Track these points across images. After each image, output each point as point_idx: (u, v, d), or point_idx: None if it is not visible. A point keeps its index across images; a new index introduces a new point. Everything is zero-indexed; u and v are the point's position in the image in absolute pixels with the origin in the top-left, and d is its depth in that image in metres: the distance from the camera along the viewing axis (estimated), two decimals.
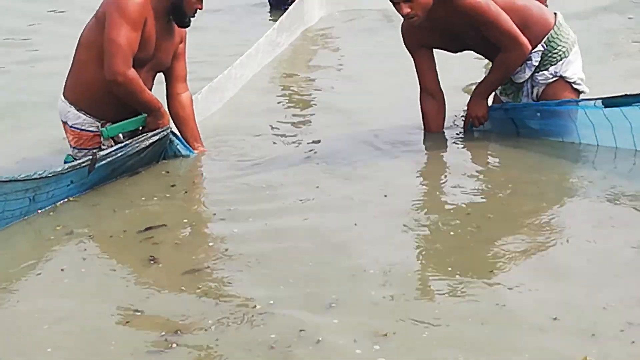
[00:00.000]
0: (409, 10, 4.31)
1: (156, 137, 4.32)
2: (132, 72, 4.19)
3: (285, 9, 6.96)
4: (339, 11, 7.45)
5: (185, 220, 4.02)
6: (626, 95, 4.23)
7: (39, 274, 3.55)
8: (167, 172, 4.49)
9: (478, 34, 4.42)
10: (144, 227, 3.90)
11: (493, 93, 4.76)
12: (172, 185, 4.34)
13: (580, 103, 4.41)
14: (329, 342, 2.90)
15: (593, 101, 4.36)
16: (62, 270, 3.53)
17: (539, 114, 4.59)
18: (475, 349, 2.81)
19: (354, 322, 3.03)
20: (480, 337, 2.87)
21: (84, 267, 3.59)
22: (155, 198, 4.26)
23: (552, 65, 4.45)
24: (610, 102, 4.26)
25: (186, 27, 4.47)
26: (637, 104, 4.23)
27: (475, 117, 4.62)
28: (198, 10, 4.48)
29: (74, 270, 3.56)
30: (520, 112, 4.63)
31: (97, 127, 4.31)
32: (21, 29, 7.83)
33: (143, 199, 4.24)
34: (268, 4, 7.61)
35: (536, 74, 4.49)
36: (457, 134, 4.77)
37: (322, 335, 2.95)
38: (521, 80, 4.53)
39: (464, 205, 4.01)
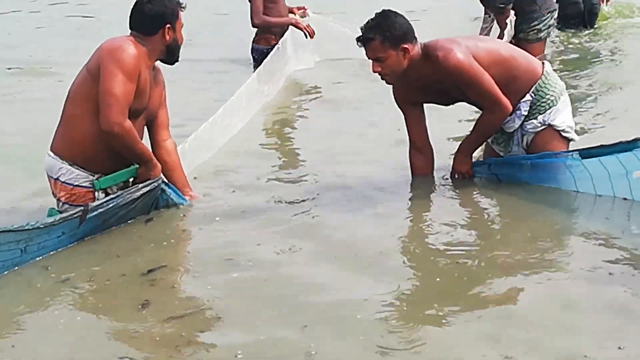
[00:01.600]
0: (379, 69, 4.43)
1: (147, 188, 4.35)
2: (128, 123, 4.20)
3: None
4: (317, 61, 7.55)
5: (182, 265, 4.11)
6: (602, 145, 4.33)
7: (33, 321, 3.57)
8: (160, 217, 4.51)
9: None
10: (144, 270, 3.95)
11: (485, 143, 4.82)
12: (167, 232, 4.40)
13: (558, 156, 4.49)
14: None
15: (570, 153, 4.46)
16: (55, 318, 3.56)
17: (528, 162, 4.63)
18: None
19: None
20: None
21: (77, 314, 3.63)
22: (152, 244, 4.29)
23: (540, 114, 4.52)
24: (587, 154, 4.38)
25: (175, 62, 4.54)
26: (613, 154, 4.30)
27: (459, 173, 4.69)
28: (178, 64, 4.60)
29: (66, 318, 3.59)
30: (502, 167, 4.71)
31: (91, 182, 4.32)
32: None
33: (138, 245, 4.26)
34: (252, 59, 7.63)
35: (525, 122, 4.55)
36: (445, 178, 4.83)
37: None
38: (511, 130, 4.60)
39: (451, 252, 4.08)
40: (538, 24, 6.51)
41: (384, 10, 4.51)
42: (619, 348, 3.08)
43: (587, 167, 4.40)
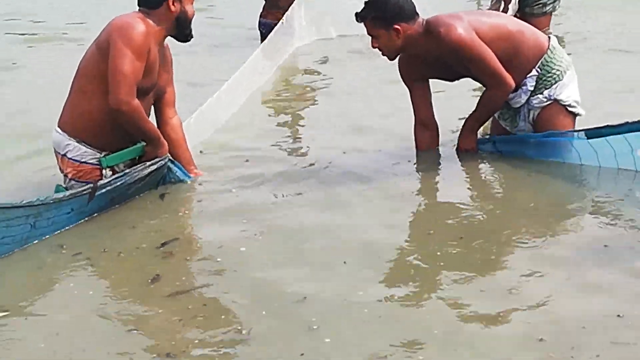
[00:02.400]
0: (376, 45, 4.51)
1: (155, 167, 4.40)
2: (136, 102, 4.22)
3: None
4: (320, 38, 7.49)
5: (195, 238, 4.22)
6: (607, 126, 4.40)
7: (47, 293, 3.67)
8: (175, 190, 4.56)
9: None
10: (158, 244, 4.00)
11: (492, 117, 4.84)
12: (182, 205, 4.51)
13: (564, 135, 4.56)
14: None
15: (577, 133, 4.51)
16: (68, 292, 3.66)
17: (533, 139, 4.69)
18: None
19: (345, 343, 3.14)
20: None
21: (89, 287, 3.72)
22: (166, 216, 4.39)
23: (546, 89, 4.54)
24: (593, 134, 4.43)
25: (189, 40, 4.53)
26: (619, 134, 4.36)
27: (464, 150, 4.75)
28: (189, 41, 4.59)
29: (79, 291, 3.68)
30: (507, 145, 4.77)
31: (98, 159, 4.35)
32: None
33: (153, 217, 4.33)
34: (259, 34, 7.58)
35: (531, 97, 4.58)
36: (450, 154, 4.86)
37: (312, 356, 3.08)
38: (518, 105, 4.63)
39: (457, 226, 4.15)
40: (545, 2, 6.50)
41: None
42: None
43: (593, 145, 4.44)
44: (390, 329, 3.23)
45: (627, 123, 4.32)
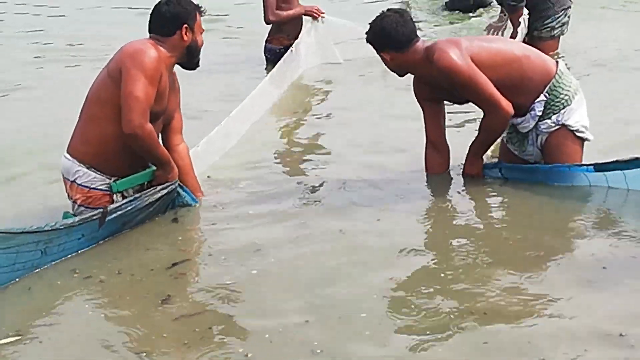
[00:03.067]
0: (390, 69, 4.68)
1: (165, 191, 4.42)
2: (150, 126, 4.24)
3: None
4: (326, 63, 7.42)
5: (205, 259, 4.19)
6: (616, 161, 4.41)
7: (58, 317, 3.68)
8: (186, 213, 4.58)
9: None
10: (169, 264, 4.05)
11: (500, 140, 4.84)
12: (193, 228, 4.54)
13: (572, 167, 4.53)
14: None
15: (585, 167, 4.52)
16: (80, 313, 3.69)
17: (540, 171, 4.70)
18: None
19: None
20: None
21: (101, 309, 3.76)
22: (179, 239, 4.41)
23: (554, 114, 4.53)
24: (601, 168, 4.44)
25: (196, 68, 4.59)
26: (628, 169, 4.39)
27: (470, 176, 4.77)
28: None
29: (91, 312, 3.73)
30: (513, 172, 4.77)
31: (108, 184, 4.37)
32: None
33: (165, 240, 4.36)
34: (265, 58, 7.53)
35: (540, 122, 4.56)
36: (458, 177, 4.86)
37: None
38: (526, 130, 4.63)
39: (460, 247, 4.20)
40: (551, 22, 6.51)
41: (380, 15, 4.63)
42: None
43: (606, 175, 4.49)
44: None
45: (637, 158, 4.35)
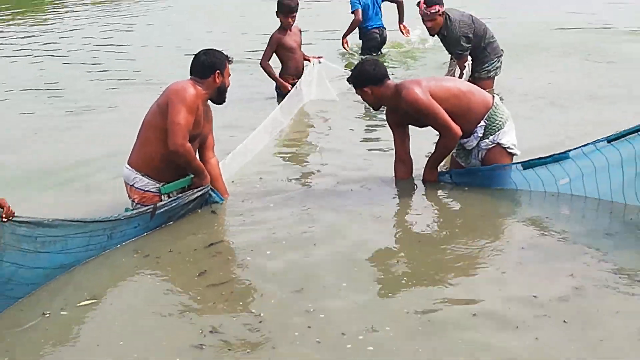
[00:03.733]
0: (364, 100, 4.67)
1: (200, 193, 4.45)
2: (189, 145, 4.27)
3: None
4: (324, 99, 7.14)
5: (236, 240, 4.22)
6: (540, 157, 4.42)
7: (121, 285, 3.80)
8: (222, 206, 4.61)
9: None
10: (207, 244, 4.10)
11: (450, 155, 4.80)
12: (228, 217, 4.52)
13: (505, 168, 4.56)
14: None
15: (515, 165, 4.52)
16: (137, 284, 3.79)
17: (480, 173, 4.66)
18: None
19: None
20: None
21: (154, 280, 3.84)
22: (215, 225, 4.45)
23: (491, 135, 4.54)
24: (527, 164, 4.45)
25: (223, 103, 4.57)
26: (546, 164, 4.39)
27: (428, 181, 4.75)
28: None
29: (145, 282, 3.82)
30: (461, 177, 4.75)
31: (158, 188, 4.37)
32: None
33: (205, 226, 4.39)
34: (276, 94, 7.22)
35: (481, 141, 4.58)
36: (418, 183, 4.82)
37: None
38: (470, 147, 4.64)
39: (416, 228, 4.32)
40: (488, 66, 6.43)
41: (360, 62, 4.69)
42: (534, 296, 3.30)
43: (526, 177, 4.48)
44: (372, 311, 3.32)
45: (552, 155, 4.38)
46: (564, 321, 3.13)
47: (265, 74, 7.17)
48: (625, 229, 4.04)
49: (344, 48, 8.42)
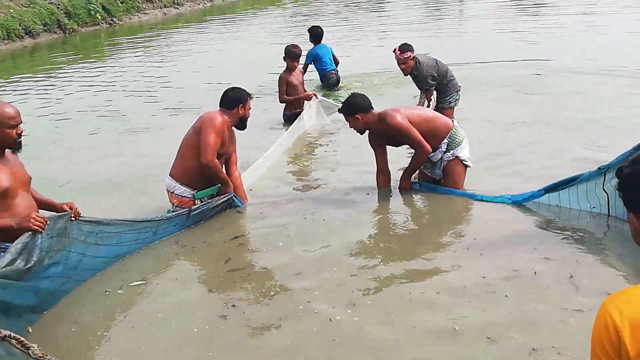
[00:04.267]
0: (350, 126, 4.60)
1: (225, 198, 4.48)
2: (217, 161, 4.31)
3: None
4: (320, 124, 7.04)
5: (257, 234, 4.21)
6: (484, 195, 4.42)
7: (164, 270, 3.79)
8: (245, 208, 4.64)
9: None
10: (232, 237, 4.10)
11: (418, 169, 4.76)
12: (250, 216, 4.52)
13: (457, 194, 4.51)
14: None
15: (464, 194, 4.50)
16: (176, 268, 3.80)
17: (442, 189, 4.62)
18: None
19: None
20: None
21: (190, 265, 3.90)
22: (239, 221, 4.45)
23: (451, 150, 4.57)
24: (480, 197, 4.43)
25: (244, 129, 4.56)
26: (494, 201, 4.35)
27: (403, 189, 4.73)
28: None
29: (183, 267, 3.85)
30: (428, 187, 4.74)
31: (192, 194, 4.39)
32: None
33: (231, 224, 4.39)
34: (283, 119, 7.17)
35: (443, 155, 4.60)
36: (395, 190, 4.79)
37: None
38: (435, 160, 4.65)
39: (398, 231, 4.22)
40: (449, 98, 6.30)
41: (350, 95, 4.62)
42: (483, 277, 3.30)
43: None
44: (357, 289, 3.31)
45: (497, 196, 4.34)
46: (505, 295, 3.17)
47: (285, 104, 7.16)
48: (557, 226, 4.02)
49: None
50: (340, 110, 4.68)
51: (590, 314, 2.83)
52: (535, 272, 3.38)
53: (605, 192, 3.88)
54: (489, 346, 2.75)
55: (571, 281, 3.27)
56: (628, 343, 1.41)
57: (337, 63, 8.48)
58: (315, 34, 8.33)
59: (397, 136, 4.53)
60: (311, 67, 8.40)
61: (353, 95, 4.64)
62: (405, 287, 3.34)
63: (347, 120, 4.66)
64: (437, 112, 4.95)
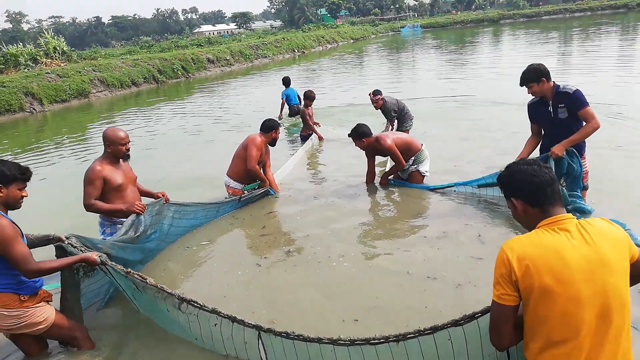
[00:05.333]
0: (357, 146, 4.40)
1: (263, 190, 4.40)
2: (257, 167, 4.26)
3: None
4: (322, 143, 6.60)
5: (285, 211, 4.04)
6: (437, 185, 4.26)
7: (221, 237, 3.63)
8: (277, 195, 4.45)
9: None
10: (267, 212, 3.98)
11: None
12: (281, 199, 4.35)
13: (424, 186, 4.30)
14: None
15: (425, 187, 4.32)
16: (230, 236, 3.67)
17: (408, 184, 4.40)
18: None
19: None
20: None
21: (239, 234, 3.72)
22: (275, 202, 4.32)
23: (416, 164, 4.44)
24: (434, 187, 4.29)
25: (274, 146, 4.45)
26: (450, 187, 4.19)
27: (383, 184, 4.50)
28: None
29: (233, 236, 3.68)
30: (400, 183, 4.50)
31: (242, 187, 4.31)
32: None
33: (267, 204, 4.23)
34: (300, 139, 6.78)
35: (410, 167, 4.45)
36: (377, 186, 4.52)
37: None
38: (405, 168, 4.47)
39: (369, 216, 3.94)
40: (406, 124, 5.96)
41: (357, 124, 4.38)
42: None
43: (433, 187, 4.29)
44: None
45: (455, 183, 4.16)
46: (438, 248, 3.08)
47: (308, 130, 6.86)
48: (476, 203, 3.84)
49: (280, 117, 7.83)
50: (350, 135, 4.42)
51: (491, 259, 2.78)
52: (457, 232, 3.34)
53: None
54: (430, 281, 2.78)
55: (479, 238, 3.24)
56: (516, 269, 1.44)
57: (300, 100, 8.35)
58: (286, 81, 8.36)
59: (385, 152, 4.45)
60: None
61: (360, 125, 4.37)
62: (379, 245, 3.30)
63: (354, 142, 4.42)
64: (411, 136, 4.72)
